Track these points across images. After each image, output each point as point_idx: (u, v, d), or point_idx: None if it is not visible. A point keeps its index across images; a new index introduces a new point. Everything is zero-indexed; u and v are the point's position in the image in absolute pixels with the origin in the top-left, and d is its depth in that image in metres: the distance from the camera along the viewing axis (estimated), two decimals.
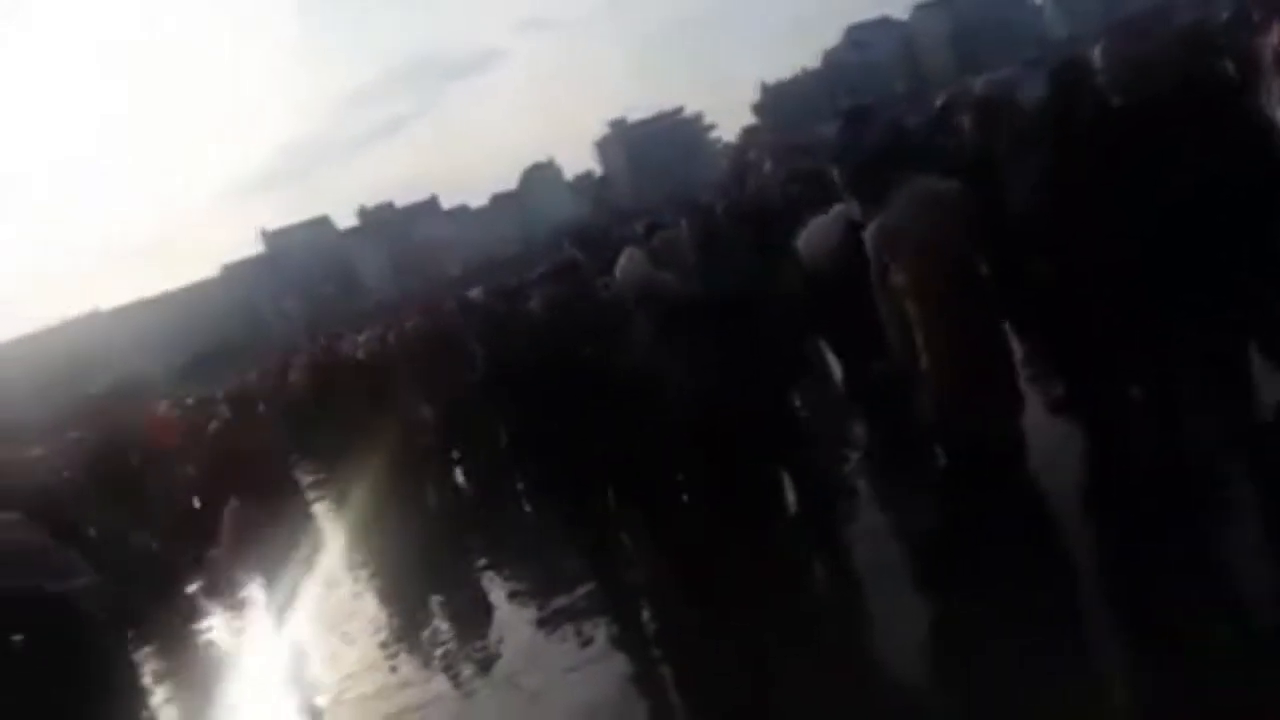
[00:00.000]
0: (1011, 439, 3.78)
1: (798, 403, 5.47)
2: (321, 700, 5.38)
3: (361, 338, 12.68)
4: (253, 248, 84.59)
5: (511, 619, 5.62)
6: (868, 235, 3.71)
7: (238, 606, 7.42)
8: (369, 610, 6.77)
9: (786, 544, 4.85)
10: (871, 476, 5.48)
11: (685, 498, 4.77)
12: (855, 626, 4.24)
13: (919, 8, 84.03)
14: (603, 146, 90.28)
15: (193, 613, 7.75)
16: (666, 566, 5.14)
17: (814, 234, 4.67)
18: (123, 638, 6.88)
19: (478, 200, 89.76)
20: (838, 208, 4.64)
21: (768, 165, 17.51)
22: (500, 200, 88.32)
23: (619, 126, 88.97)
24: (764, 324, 4.82)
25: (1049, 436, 4.24)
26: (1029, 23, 72.85)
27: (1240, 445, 3.70)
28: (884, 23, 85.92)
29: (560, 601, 5.38)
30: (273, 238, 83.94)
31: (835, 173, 5.19)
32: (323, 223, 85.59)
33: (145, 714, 6.03)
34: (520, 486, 7.48)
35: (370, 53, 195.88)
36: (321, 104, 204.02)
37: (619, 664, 4.52)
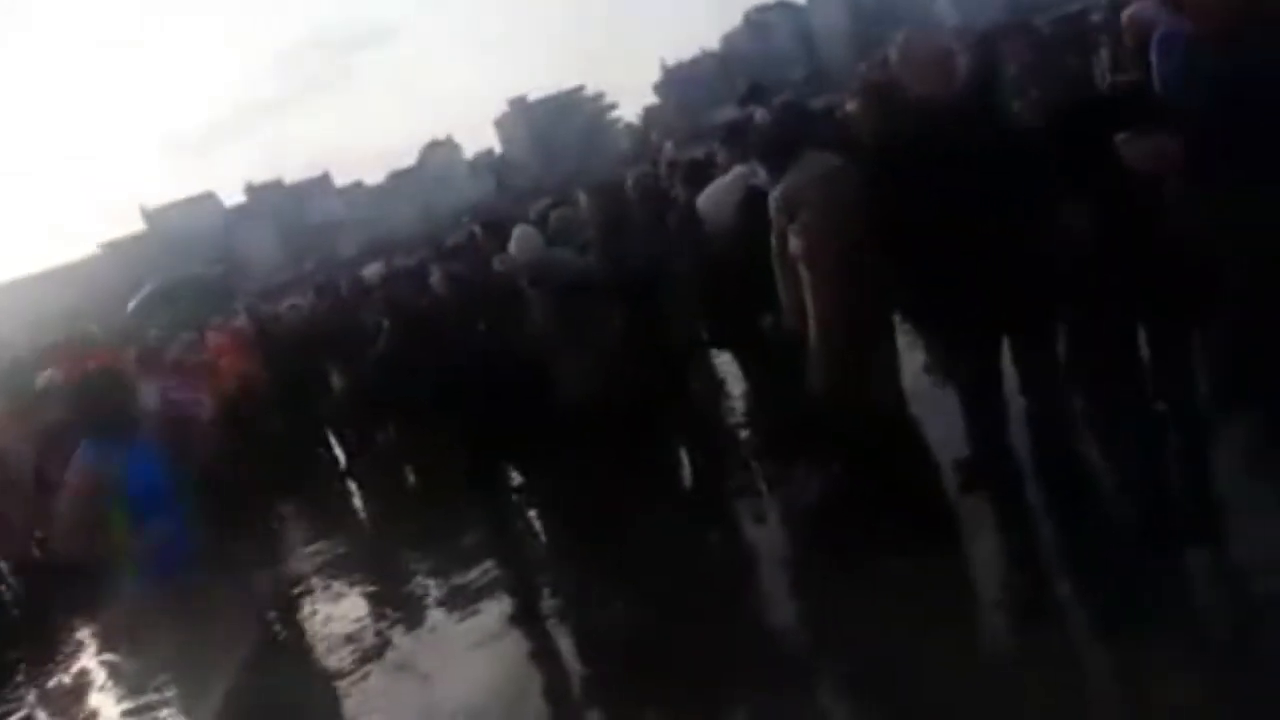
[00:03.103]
0: (893, 409, 3.91)
1: (693, 379, 5.53)
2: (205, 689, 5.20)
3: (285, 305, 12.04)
4: (133, 226, 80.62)
5: (409, 599, 5.54)
6: (770, 200, 3.79)
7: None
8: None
9: (682, 518, 4.92)
10: (765, 449, 5.57)
11: (580, 474, 4.78)
12: (749, 598, 4.34)
13: None
14: (503, 124, 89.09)
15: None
16: (564, 543, 5.16)
17: (715, 194, 4.75)
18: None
19: (373, 178, 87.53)
20: (737, 169, 4.71)
21: (668, 147, 17.61)
22: (397, 178, 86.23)
23: (519, 104, 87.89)
24: (663, 302, 4.86)
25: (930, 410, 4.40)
26: (923, 10, 74.76)
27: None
28: (783, 6, 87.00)
29: (459, 580, 5.34)
30: (154, 215, 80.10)
31: (721, 153, 5.29)
32: (208, 199, 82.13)
33: None
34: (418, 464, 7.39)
35: (259, 26, 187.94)
36: (207, 80, 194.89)
37: (516, 643, 4.51)
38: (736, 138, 5.28)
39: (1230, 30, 2.46)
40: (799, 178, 3.70)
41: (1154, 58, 4.18)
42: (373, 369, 6.27)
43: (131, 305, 20.53)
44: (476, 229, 8.20)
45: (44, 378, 7.44)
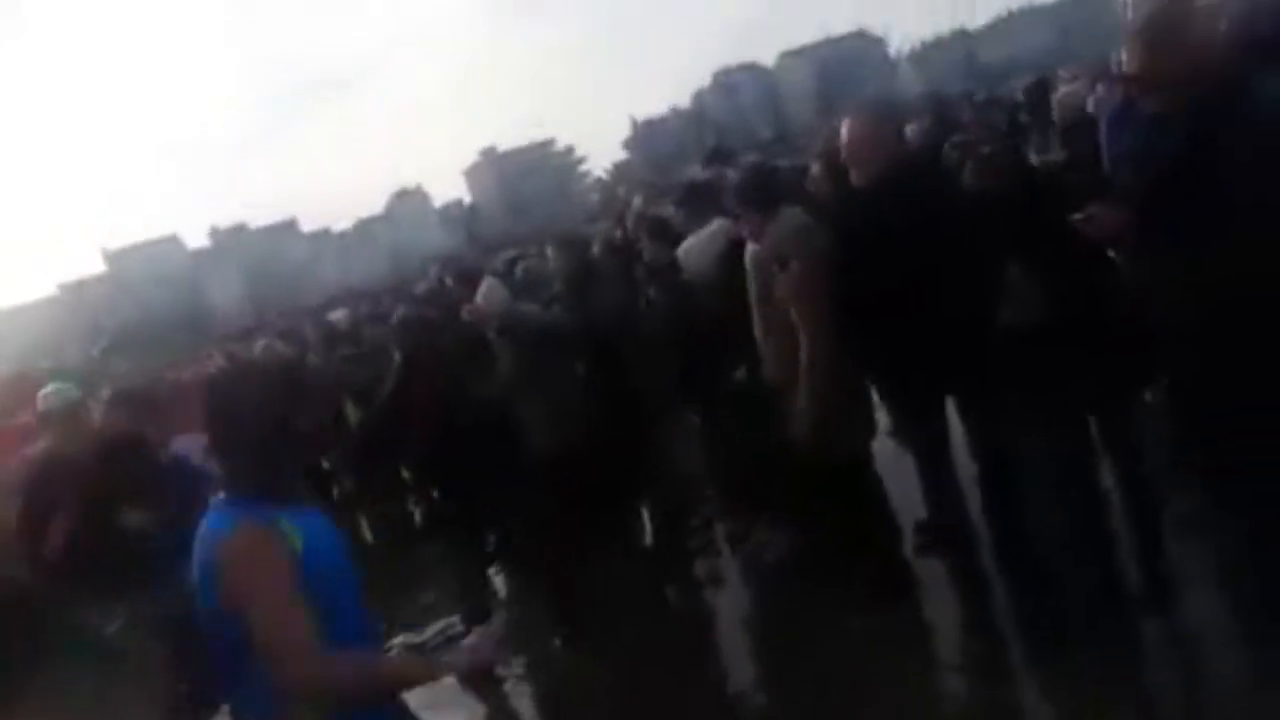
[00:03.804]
0: (865, 464, 3.94)
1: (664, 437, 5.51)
2: None
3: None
4: (93, 267, 79.59)
5: None
6: (752, 252, 3.83)
7: None
8: None
9: (643, 574, 4.89)
10: (729, 505, 5.55)
11: (544, 526, 4.73)
12: (710, 654, 4.30)
13: (785, 55, 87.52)
14: (472, 175, 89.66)
15: None
16: (525, 598, 5.09)
17: (696, 244, 4.80)
18: None
19: (341, 225, 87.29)
20: (717, 222, 4.76)
21: (637, 201, 17.81)
22: (365, 225, 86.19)
23: (489, 155, 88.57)
24: (629, 355, 4.88)
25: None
26: (886, 76, 76.95)
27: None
28: (751, 68, 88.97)
29: (416, 639, 5.23)
30: (115, 257, 79.21)
31: (678, 215, 5.38)
32: (170, 242, 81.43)
33: None
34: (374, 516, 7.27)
35: (226, 67, 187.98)
36: (172, 120, 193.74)
37: (473, 704, 4.41)
38: (693, 199, 5.36)
39: (1194, 101, 2.54)
40: (784, 228, 3.74)
41: (1104, 139, 4.34)
42: (381, 410, 5.91)
43: (97, 350, 20.09)
44: (447, 278, 8.16)
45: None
